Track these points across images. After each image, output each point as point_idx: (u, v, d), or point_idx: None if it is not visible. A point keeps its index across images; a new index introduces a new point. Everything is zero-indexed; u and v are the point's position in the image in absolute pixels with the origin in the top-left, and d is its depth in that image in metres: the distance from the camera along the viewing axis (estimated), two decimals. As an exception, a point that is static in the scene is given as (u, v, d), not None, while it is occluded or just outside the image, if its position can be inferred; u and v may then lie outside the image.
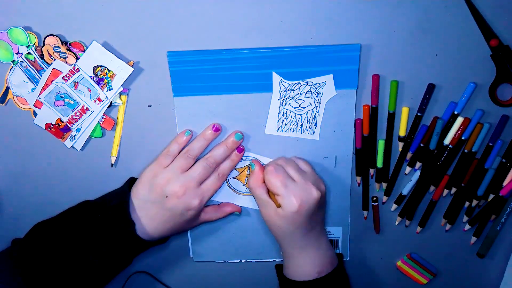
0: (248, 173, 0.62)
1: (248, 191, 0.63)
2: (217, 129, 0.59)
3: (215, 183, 0.59)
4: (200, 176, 0.58)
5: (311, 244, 0.58)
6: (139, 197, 0.58)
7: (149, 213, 0.57)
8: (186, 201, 0.57)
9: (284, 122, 0.59)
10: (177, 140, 0.60)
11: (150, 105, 0.60)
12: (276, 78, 0.57)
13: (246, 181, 0.63)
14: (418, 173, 0.62)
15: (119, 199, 0.58)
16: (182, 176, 0.57)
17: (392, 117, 0.58)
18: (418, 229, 0.65)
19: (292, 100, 0.58)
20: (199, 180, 0.58)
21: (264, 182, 0.58)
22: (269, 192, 0.57)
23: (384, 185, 0.63)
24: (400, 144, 0.60)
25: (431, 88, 0.56)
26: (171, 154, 0.59)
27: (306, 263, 0.59)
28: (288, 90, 0.58)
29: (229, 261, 0.70)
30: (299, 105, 0.58)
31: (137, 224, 0.57)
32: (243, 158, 0.61)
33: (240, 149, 0.60)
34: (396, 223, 0.66)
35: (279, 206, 0.55)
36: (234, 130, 0.60)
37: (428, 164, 0.61)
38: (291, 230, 0.56)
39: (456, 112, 0.57)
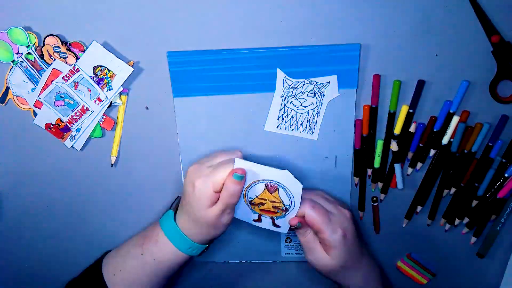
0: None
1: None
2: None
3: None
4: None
5: (368, 262, 0.61)
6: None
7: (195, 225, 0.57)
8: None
9: (284, 119, 0.59)
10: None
11: (147, 107, 0.60)
12: (280, 75, 0.57)
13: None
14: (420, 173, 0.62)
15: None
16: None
17: (392, 117, 0.58)
18: (405, 221, 0.66)
19: (294, 98, 0.58)
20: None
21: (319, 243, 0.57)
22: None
23: (380, 185, 0.63)
24: (394, 142, 0.60)
25: (420, 84, 0.56)
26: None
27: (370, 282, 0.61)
28: (291, 88, 0.58)
29: (230, 262, 0.70)
30: (301, 104, 0.58)
31: (180, 224, 0.57)
32: (261, 181, 0.55)
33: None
34: (404, 225, 0.66)
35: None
36: (233, 129, 0.60)
37: (430, 164, 0.61)
38: (352, 259, 0.57)
39: (451, 111, 0.57)
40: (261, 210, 0.57)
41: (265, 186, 0.55)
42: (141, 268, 0.59)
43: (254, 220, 0.59)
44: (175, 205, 0.60)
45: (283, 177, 0.54)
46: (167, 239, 0.57)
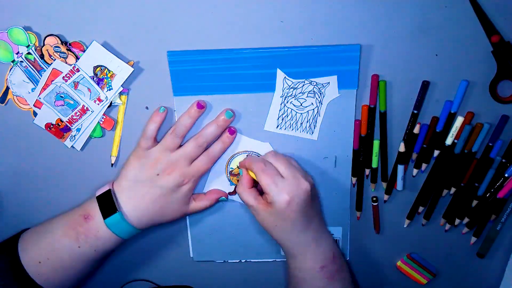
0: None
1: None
2: (201, 106, 0.58)
3: (204, 164, 0.59)
4: (190, 154, 0.58)
5: (311, 240, 0.58)
6: (129, 178, 0.59)
7: (138, 193, 0.58)
8: (176, 178, 0.58)
9: (284, 119, 0.59)
10: (153, 119, 0.59)
11: (147, 107, 0.60)
12: (280, 75, 0.57)
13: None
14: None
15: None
16: (171, 155, 0.58)
17: (384, 117, 0.58)
18: (407, 221, 0.66)
19: (294, 98, 0.58)
20: (189, 159, 0.58)
21: (251, 187, 0.58)
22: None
23: (380, 185, 0.63)
24: (402, 143, 0.60)
25: (425, 85, 0.56)
26: (150, 135, 0.58)
27: (308, 259, 0.58)
28: (291, 88, 0.58)
29: (229, 261, 0.70)
30: (301, 104, 0.58)
31: (126, 207, 0.58)
32: (244, 152, 0.61)
33: (232, 131, 0.59)
34: (405, 225, 0.66)
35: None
36: (233, 129, 0.60)
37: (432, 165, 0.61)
38: (288, 227, 0.56)
39: (452, 111, 0.57)
40: (238, 180, 0.60)
41: (248, 156, 0.59)
42: (78, 257, 0.58)
43: (230, 193, 0.63)
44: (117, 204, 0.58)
45: (264, 149, 0.57)
46: (112, 233, 0.57)
